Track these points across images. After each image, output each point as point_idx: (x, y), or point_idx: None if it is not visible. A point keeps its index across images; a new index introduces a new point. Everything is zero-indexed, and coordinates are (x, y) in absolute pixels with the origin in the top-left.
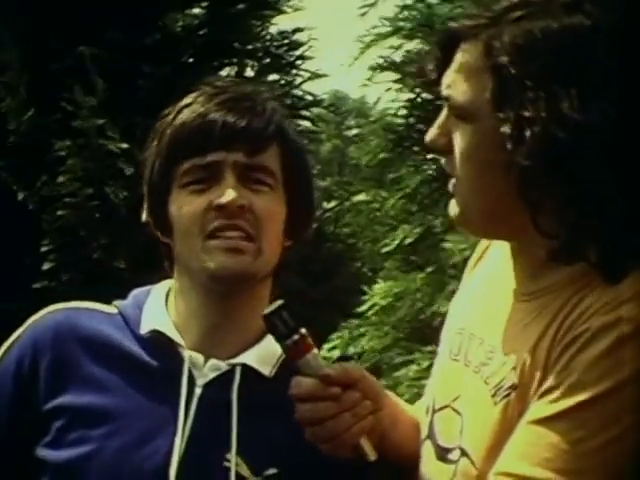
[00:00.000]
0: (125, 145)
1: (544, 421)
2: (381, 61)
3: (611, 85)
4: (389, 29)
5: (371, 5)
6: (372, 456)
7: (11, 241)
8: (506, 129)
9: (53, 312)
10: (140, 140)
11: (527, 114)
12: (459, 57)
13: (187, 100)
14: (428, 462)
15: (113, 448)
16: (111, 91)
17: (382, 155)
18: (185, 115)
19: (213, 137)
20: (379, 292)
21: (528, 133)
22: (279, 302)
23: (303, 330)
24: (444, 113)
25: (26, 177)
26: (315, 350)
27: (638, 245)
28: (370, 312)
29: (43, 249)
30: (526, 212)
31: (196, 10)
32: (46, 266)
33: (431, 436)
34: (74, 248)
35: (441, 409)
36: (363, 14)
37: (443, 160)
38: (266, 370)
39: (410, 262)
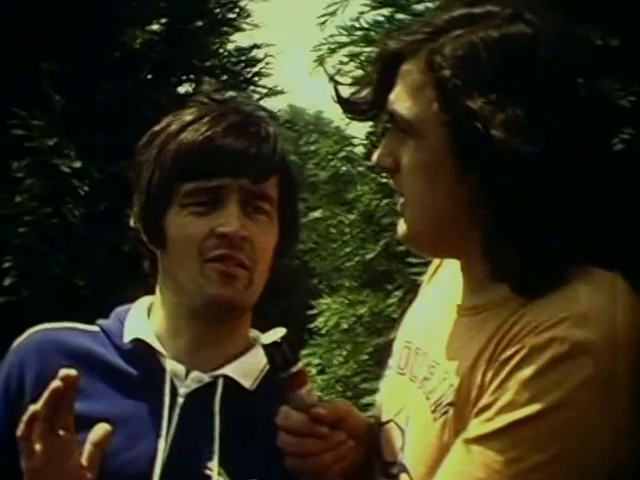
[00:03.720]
0: (78, 164)
1: (478, 440)
2: (340, 67)
3: (554, 96)
4: (346, 39)
5: (331, 14)
6: None
7: None
8: (455, 142)
9: (36, 331)
10: (101, 157)
11: (474, 125)
12: (402, 74)
13: (189, 116)
14: (374, 477)
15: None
16: (70, 108)
17: (336, 169)
18: (191, 135)
19: (222, 163)
20: (332, 309)
21: (476, 144)
22: (281, 332)
23: (300, 364)
24: (389, 132)
25: None
26: (310, 385)
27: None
28: (328, 331)
29: (4, 265)
30: (469, 228)
31: (154, 27)
32: (7, 282)
33: (376, 451)
34: (34, 265)
35: (386, 423)
36: (322, 23)
37: (392, 180)
38: (247, 383)
39: (367, 280)
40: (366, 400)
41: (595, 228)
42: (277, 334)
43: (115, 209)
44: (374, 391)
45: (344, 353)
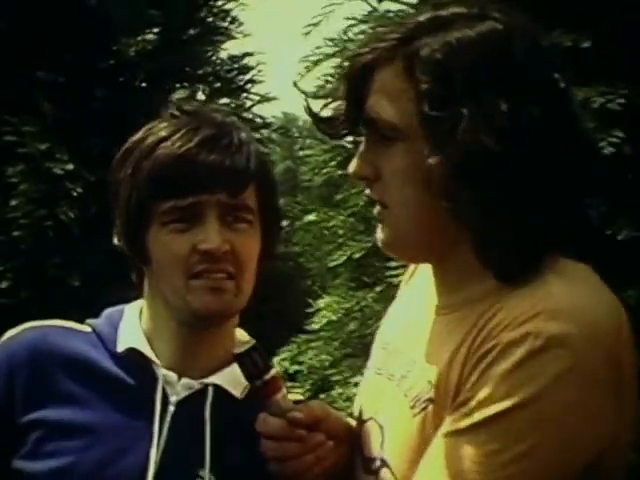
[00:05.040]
0: (70, 166)
1: (457, 433)
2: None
3: (533, 86)
4: (334, 49)
5: (315, 25)
6: None
7: None
8: (435, 148)
9: (29, 329)
10: (97, 162)
11: (457, 128)
12: (378, 82)
13: (162, 132)
14: (356, 473)
15: (90, 461)
16: (65, 115)
17: (330, 174)
18: (164, 152)
19: (196, 180)
20: (328, 307)
21: (460, 146)
22: (251, 343)
23: (273, 371)
24: (366, 141)
25: None
26: (284, 390)
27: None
28: (319, 326)
29: (0, 268)
30: (452, 227)
31: (149, 35)
32: (4, 284)
33: (357, 448)
34: (30, 267)
35: (366, 421)
36: (307, 33)
37: (368, 190)
38: (237, 392)
39: (358, 279)
40: (337, 391)
41: (575, 218)
42: (247, 344)
43: (109, 211)
44: (345, 383)
45: (330, 349)
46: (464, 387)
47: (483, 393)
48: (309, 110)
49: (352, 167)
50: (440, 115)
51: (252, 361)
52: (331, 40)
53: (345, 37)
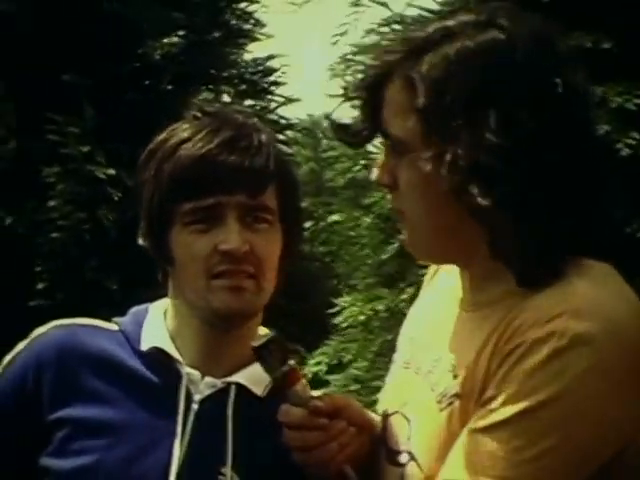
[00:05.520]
0: (112, 171)
1: (484, 430)
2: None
3: (531, 98)
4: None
5: (342, 34)
6: None
7: (6, 262)
8: (431, 163)
9: (57, 327)
10: (127, 166)
11: (451, 147)
12: (387, 94)
13: (184, 133)
14: (380, 465)
15: (115, 458)
16: (97, 118)
17: (355, 175)
18: (185, 154)
19: (216, 181)
20: (352, 308)
21: (451, 165)
22: (269, 335)
23: (292, 362)
24: (385, 150)
25: (14, 202)
26: (303, 381)
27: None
28: (348, 327)
29: (37, 269)
30: (469, 232)
31: (174, 39)
32: (40, 286)
33: (382, 440)
34: (67, 269)
35: (392, 414)
36: (334, 43)
37: (390, 196)
38: (259, 390)
39: (385, 279)
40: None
41: (593, 220)
42: (266, 336)
43: None
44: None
45: (356, 348)
46: (490, 384)
47: (509, 390)
48: (329, 118)
49: (373, 174)
50: (439, 129)
51: (271, 353)
52: (356, 46)
53: (368, 42)
